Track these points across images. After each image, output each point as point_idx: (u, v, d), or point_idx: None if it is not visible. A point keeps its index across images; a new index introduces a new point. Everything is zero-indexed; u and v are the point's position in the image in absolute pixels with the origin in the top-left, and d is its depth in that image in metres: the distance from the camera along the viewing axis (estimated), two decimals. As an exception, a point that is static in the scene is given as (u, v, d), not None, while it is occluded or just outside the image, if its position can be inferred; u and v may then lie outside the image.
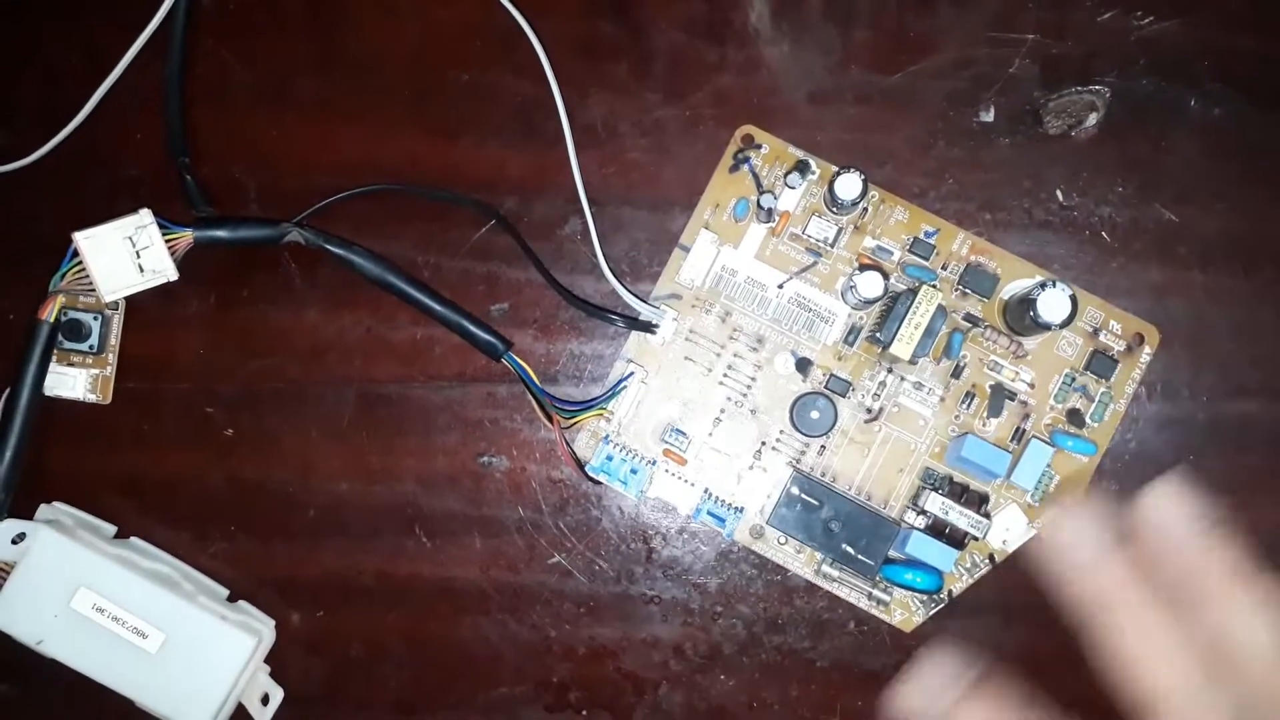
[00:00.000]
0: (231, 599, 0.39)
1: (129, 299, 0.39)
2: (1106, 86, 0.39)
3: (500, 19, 0.39)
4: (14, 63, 0.40)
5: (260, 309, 0.40)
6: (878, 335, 0.36)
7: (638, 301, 0.38)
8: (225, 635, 0.37)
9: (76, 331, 0.39)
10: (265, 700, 0.39)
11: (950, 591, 0.38)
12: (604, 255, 0.38)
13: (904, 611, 0.38)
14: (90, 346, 0.39)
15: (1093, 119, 0.39)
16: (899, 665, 0.38)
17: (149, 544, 0.39)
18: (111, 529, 0.39)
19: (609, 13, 0.40)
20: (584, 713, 0.39)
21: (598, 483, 0.38)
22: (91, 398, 0.39)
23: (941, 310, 0.36)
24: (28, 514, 0.39)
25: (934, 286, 0.37)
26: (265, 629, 0.39)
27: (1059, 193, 0.39)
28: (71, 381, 0.39)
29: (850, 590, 0.38)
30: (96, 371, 0.39)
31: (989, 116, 0.39)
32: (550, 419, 0.37)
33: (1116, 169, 0.39)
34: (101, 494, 0.40)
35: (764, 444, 0.38)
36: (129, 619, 0.37)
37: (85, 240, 0.36)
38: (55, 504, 0.39)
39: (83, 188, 0.40)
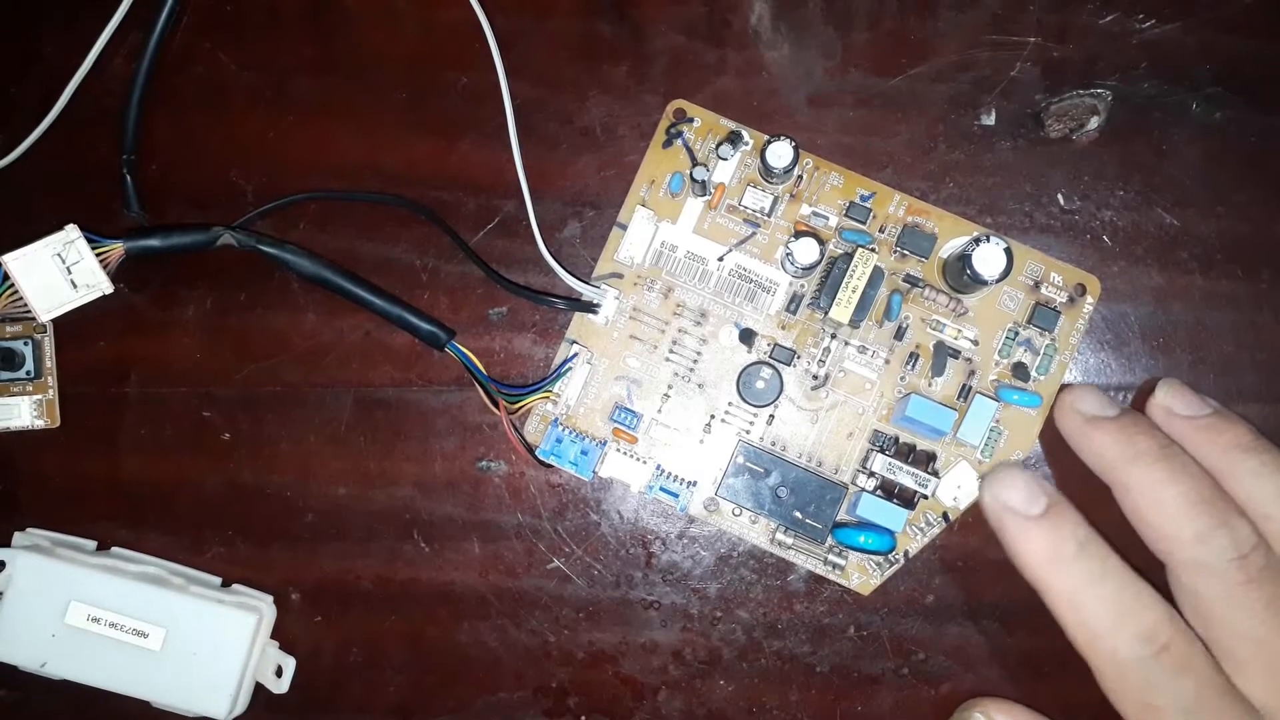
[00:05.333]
0: (225, 585, 0.39)
1: (121, 308, 0.39)
2: (1108, 90, 0.39)
3: (499, 21, 0.39)
4: (12, 62, 0.40)
5: (258, 313, 0.40)
6: (818, 301, 0.37)
7: (578, 282, 0.38)
8: (226, 618, 0.37)
9: (10, 360, 0.39)
10: (279, 673, 0.39)
11: (906, 552, 0.38)
12: (544, 245, 0.38)
13: (861, 575, 0.38)
14: (27, 373, 0.39)
15: (1094, 123, 0.39)
16: (898, 670, 0.38)
17: (131, 550, 0.39)
18: (91, 544, 0.39)
19: (608, 14, 0.40)
20: (583, 718, 0.39)
21: (548, 466, 0.38)
22: (40, 424, 0.39)
23: (878, 272, 0.36)
24: (4, 544, 0.39)
25: (870, 249, 0.37)
26: (265, 605, 0.39)
27: (1060, 196, 0.39)
28: (15, 411, 0.39)
29: (806, 556, 0.38)
30: (39, 397, 0.39)
31: (990, 120, 0.39)
32: (497, 405, 0.37)
33: (1118, 173, 0.39)
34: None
35: (713, 417, 0.38)
36: (126, 622, 0.37)
37: (14, 261, 0.36)
38: (30, 530, 0.39)
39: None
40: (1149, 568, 0.32)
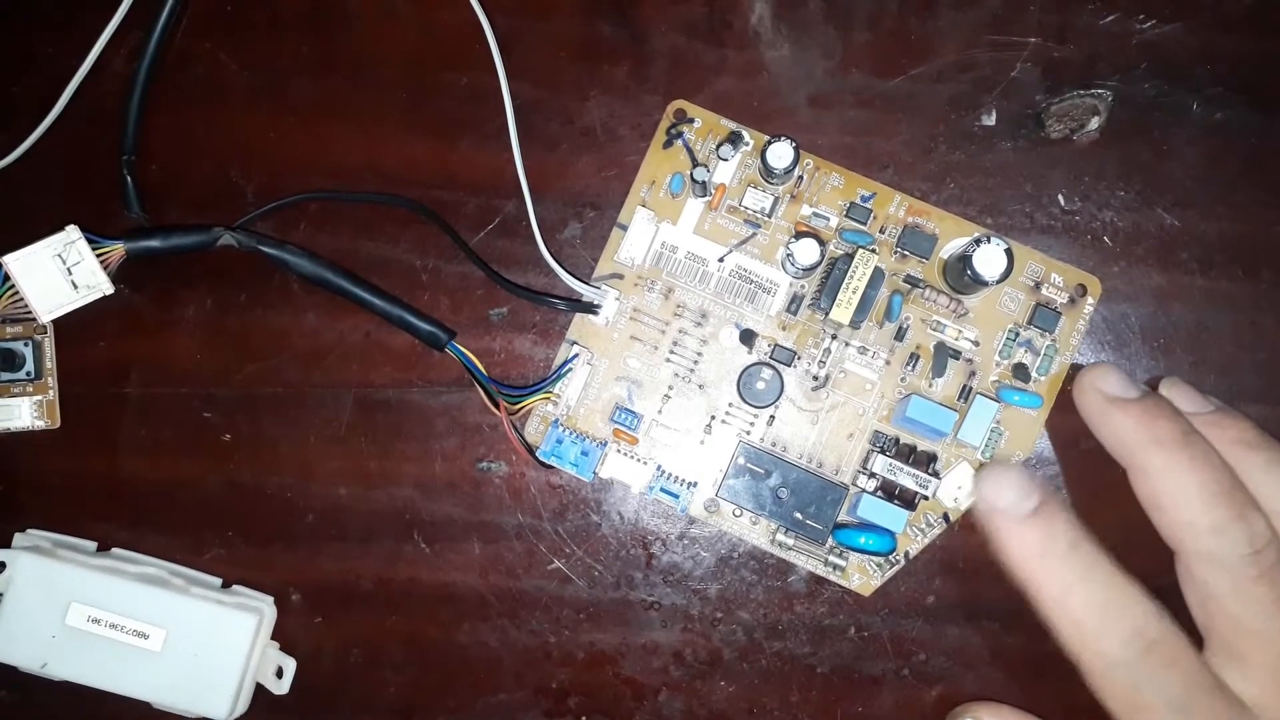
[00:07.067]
0: (225, 586, 0.39)
1: (121, 309, 0.39)
2: (1108, 90, 0.39)
3: (499, 21, 0.39)
4: (10, 62, 0.40)
5: (258, 313, 0.40)
6: (819, 302, 0.37)
7: (578, 283, 0.38)
8: (226, 619, 0.37)
9: (10, 361, 0.39)
10: (279, 674, 0.39)
11: (906, 553, 0.38)
12: (545, 246, 0.38)
13: (861, 575, 0.38)
14: (27, 374, 0.39)
15: (1094, 123, 0.39)
16: (899, 671, 0.38)
17: (131, 551, 0.39)
18: (92, 545, 0.39)
19: (609, 15, 0.40)
20: (583, 719, 0.39)
21: (549, 467, 0.38)
22: (40, 425, 0.39)
23: (879, 273, 0.36)
24: (4, 545, 0.39)
25: (870, 250, 0.37)
26: (265, 606, 0.39)
27: (1060, 197, 0.39)
28: (15, 412, 0.39)
29: (807, 557, 0.38)
30: (39, 398, 0.39)
31: (990, 120, 0.39)
32: (497, 406, 0.37)
33: (1118, 173, 0.39)
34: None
35: (713, 418, 0.38)
36: (127, 623, 0.37)
37: (15, 262, 0.36)
38: (30, 531, 0.39)
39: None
40: (1144, 572, 0.32)
